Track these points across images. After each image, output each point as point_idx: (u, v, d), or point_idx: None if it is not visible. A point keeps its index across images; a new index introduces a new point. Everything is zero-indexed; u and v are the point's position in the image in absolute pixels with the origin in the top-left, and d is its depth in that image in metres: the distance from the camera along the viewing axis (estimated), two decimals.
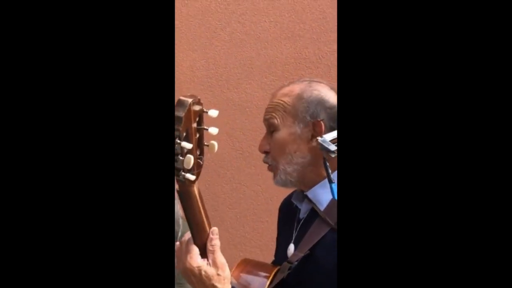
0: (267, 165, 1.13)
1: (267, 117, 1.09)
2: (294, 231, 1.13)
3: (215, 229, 0.89)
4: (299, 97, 1.07)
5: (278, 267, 1.11)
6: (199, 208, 0.87)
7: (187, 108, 0.78)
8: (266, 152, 1.11)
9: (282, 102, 1.07)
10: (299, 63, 2.16)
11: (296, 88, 1.09)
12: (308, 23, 2.15)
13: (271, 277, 1.09)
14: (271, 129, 1.09)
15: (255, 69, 2.16)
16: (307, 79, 1.12)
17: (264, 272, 1.12)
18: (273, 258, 1.28)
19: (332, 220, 1.03)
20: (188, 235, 0.89)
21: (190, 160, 0.79)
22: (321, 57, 2.16)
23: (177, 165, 0.80)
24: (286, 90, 1.09)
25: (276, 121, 1.07)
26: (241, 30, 2.15)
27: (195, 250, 0.87)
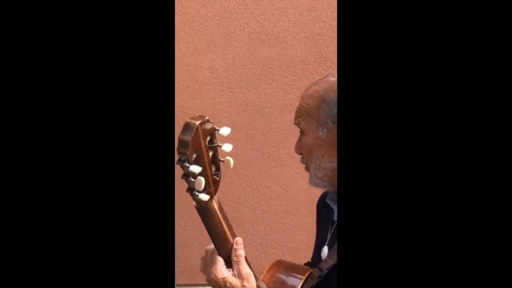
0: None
1: (296, 121, 1.06)
2: (329, 233, 1.10)
3: (239, 239, 0.89)
4: (322, 99, 1.02)
5: (311, 271, 1.08)
6: (220, 221, 0.88)
7: (194, 131, 0.78)
8: (301, 154, 1.08)
9: (306, 105, 1.03)
10: (319, 62, 2.14)
11: (321, 88, 1.03)
12: (328, 22, 2.12)
13: (303, 280, 1.06)
14: (301, 133, 1.06)
15: (275, 69, 2.15)
16: (334, 75, 1.05)
17: (297, 273, 1.09)
18: (300, 254, 1.24)
19: None
20: (212, 246, 0.89)
21: (201, 182, 0.80)
22: None
23: (190, 185, 0.81)
24: (311, 90, 1.04)
25: (302, 126, 1.04)
26: (260, 30, 2.14)
27: (220, 261, 0.87)
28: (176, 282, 2.14)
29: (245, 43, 2.15)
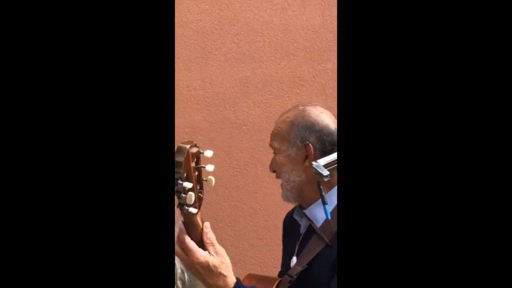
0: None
1: (271, 143, 1.24)
2: (296, 245, 1.24)
3: (207, 223, 0.96)
4: (292, 124, 1.21)
5: (280, 279, 1.19)
6: (200, 232, 0.97)
7: (185, 153, 0.90)
8: (275, 172, 1.25)
9: (279, 128, 1.23)
10: (294, 82, 2.19)
11: (291, 115, 1.23)
12: (302, 43, 2.19)
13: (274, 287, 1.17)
14: (275, 152, 1.24)
15: (251, 88, 2.19)
16: (303, 105, 1.25)
17: (267, 285, 1.19)
18: (279, 269, 1.34)
19: (327, 237, 1.14)
20: (178, 225, 0.95)
21: (191, 196, 0.91)
22: (315, 75, 2.19)
23: (180, 201, 0.91)
24: (284, 117, 1.24)
25: (276, 146, 1.23)
26: (236, 50, 2.19)
27: (195, 246, 0.93)
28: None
29: (221, 62, 2.19)
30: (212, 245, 0.95)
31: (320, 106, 1.24)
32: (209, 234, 0.95)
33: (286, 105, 2.20)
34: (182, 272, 1.40)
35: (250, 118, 2.19)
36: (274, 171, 1.24)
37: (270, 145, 1.24)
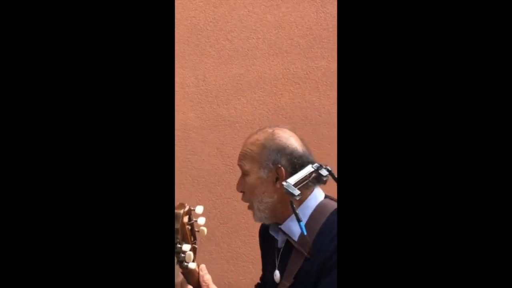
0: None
1: (239, 163, 1.26)
2: (276, 259, 1.27)
3: (203, 266, 1.07)
4: (263, 147, 1.22)
5: None
6: (197, 277, 1.09)
7: (180, 219, 1.02)
8: (243, 192, 1.27)
9: (249, 150, 1.24)
10: (287, 79, 2.19)
11: (261, 137, 1.24)
12: (296, 40, 2.19)
13: None
14: (244, 174, 1.26)
15: (244, 85, 2.19)
16: (271, 128, 1.26)
17: None
18: (258, 281, 1.38)
19: (305, 250, 1.17)
20: (180, 277, 1.07)
21: (190, 256, 1.03)
22: (308, 72, 2.19)
23: (180, 259, 1.03)
24: (253, 139, 1.25)
25: (246, 167, 1.25)
26: (230, 47, 2.19)
27: None
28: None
29: (215, 59, 2.19)
30: (208, 286, 1.05)
31: (287, 129, 1.27)
32: (205, 277, 1.05)
33: (279, 103, 2.20)
34: None
35: (243, 116, 2.19)
36: (242, 191, 1.27)
37: (239, 165, 1.26)
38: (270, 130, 1.25)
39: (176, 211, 1.02)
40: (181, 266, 1.04)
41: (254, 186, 1.23)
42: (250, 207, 1.27)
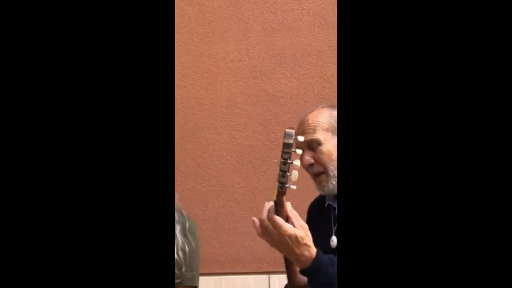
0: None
1: (307, 139, 1.28)
2: (333, 226, 1.32)
3: (289, 203, 1.09)
4: (331, 115, 1.31)
5: None
6: (286, 212, 1.09)
7: (293, 137, 1.04)
8: (312, 164, 1.30)
9: (318, 122, 1.31)
10: (333, 51, 2.12)
11: (321, 111, 1.32)
12: None
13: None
14: (314, 146, 1.29)
15: (288, 59, 2.14)
16: (323, 106, 1.35)
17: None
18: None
19: None
20: (265, 211, 1.09)
21: (296, 174, 1.04)
22: None
23: (282, 180, 1.04)
24: (315, 113, 1.32)
25: (318, 137, 1.29)
26: (273, 19, 2.13)
27: (284, 222, 1.05)
28: (209, 271, 2.16)
29: (258, 32, 2.14)
30: (297, 219, 1.07)
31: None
32: (293, 211, 1.08)
33: (325, 76, 2.14)
34: (183, 242, 1.46)
35: (287, 90, 2.14)
36: (311, 164, 1.29)
37: (307, 141, 1.27)
38: (325, 107, 1.34)
39: (287, 129, 1.05)
40: (280, 189, 1.04)
41: (331, 153, 1.27)
42: (322, 176, 1.30)
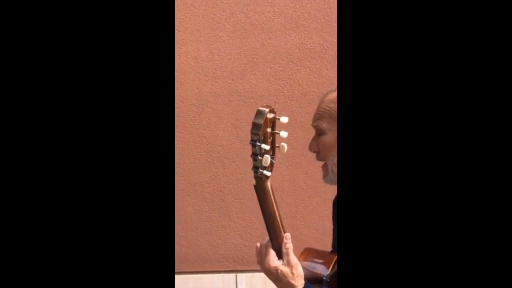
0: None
1: (314, 124, 1.20)
2: None
3: (287, 234, 1.06)
4: None
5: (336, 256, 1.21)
6: (272, 201, 1.03)
7: (264, 116, 0.94)
8: (316, 152, 1.22)
9: (328, 108, 1.19)
10: (303, 54, 2.16)
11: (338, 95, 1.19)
12: (313, 13, 2.14)
13: (332, 264, 1.22)
14: (319, 133, 1.20)
15: (260, 60, 2.16)
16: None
17: (325, 259, 1.23)
18: (330, 248, 1.35)
19: None
20: (266, 239, 1.07)
21: (267, 159, 0.96)
22: (325, 47, 2.15)
23: (255, 163, 0.97)
24: (331, 96, 1.19)
25: (323, 126, 1.18)
26: (245, 20, 2.15)
27: (272, 253, 1.05)
28: (176, 269, 2.16)
29: (230, 33, 2.15)
30: (287, 255, 1.05)
31: None
32: (287, 245, 1.05)
33: (295, 78, 2.17)
34: None
35: (258, 91, 2.17)
36: (315, 152, 1.20)
37: (314, 125, 1.19)
38: None
39: (260, 108, 0.94)
40: (255, 174, 0.97)
41: (331, 145, 1.16)
42: (324, 167, 1.21)
